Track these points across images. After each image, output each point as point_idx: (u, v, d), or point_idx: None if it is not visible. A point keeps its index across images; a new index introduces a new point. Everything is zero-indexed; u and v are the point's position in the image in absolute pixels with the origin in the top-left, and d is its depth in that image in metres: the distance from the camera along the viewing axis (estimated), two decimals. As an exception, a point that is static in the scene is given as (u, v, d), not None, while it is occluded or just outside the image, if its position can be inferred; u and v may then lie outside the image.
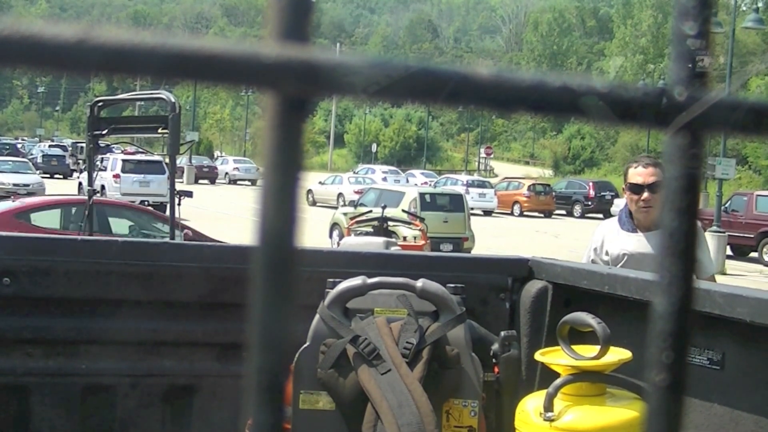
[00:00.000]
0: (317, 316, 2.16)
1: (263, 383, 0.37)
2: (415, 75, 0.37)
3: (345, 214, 21.10)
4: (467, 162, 74.65)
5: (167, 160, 7.25)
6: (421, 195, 22.17)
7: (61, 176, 44.71)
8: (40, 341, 2.30)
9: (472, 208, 25.01)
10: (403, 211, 19.11)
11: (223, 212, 29.67)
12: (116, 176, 26.46)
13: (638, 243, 3.68)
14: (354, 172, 48.34)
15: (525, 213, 37.43)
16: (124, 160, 26.84)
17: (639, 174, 3.83)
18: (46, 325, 2.30)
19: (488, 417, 2.24)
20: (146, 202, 27.34)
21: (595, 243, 3.81)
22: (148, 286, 2.34)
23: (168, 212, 6.72)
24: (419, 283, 2.17)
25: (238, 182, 51.85)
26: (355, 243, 11.21)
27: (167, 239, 7.09)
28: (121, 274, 2.32)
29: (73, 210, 11.41)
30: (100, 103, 6.94)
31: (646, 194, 3.74)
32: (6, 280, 2.24)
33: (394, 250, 8.92)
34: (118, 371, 2.36)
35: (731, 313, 1.91)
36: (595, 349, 1.96)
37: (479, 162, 72.72)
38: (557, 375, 2.02)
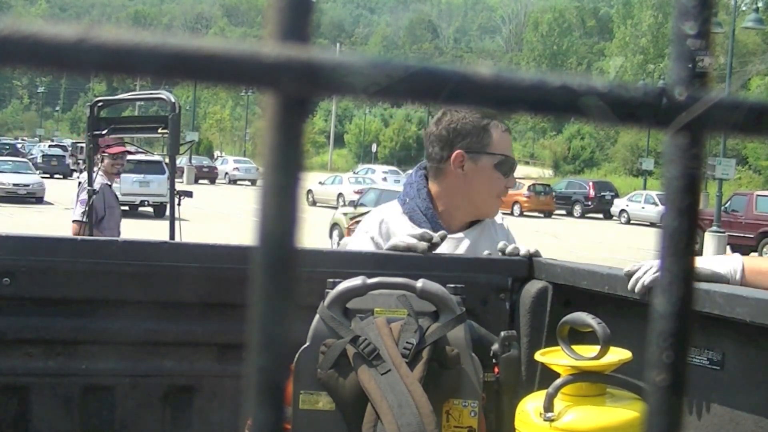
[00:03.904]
0: (317, 317, 2.16)
1: (263, 383, 0.37)
2: (415, 75, 0.37)
3: (345, 214, 21.12)
4: (467, 162, 74.44)
5: (167, 160, 7.27)
6: (421, 195, 22.15)
7: (61, 176, 44.74)
8: (40, 341, 2.30)
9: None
10: (403, 211, 19.10)
11: (223, 212, 29.66)
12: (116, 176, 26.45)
13: (462, 249, 2.71)
14: (354, 172, 48.37)
15: (525, 213, 37.44)
16: (124, 160, 26.83)
17: (507, 143, 2.71)
18: (46, 325, 2.30)
19: (488, 417, 2.24)
20: (146, 202, 27.35)
21: (371, 232, 2.69)
22: (147, 286, 2.34)
23: (168, 212, 6.73)
24: (419, 283, 2.17)
25: (238, 182, 51.87)
26: (355, 243, 11.19)
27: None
28: (120, 274, 2.32)
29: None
30: (100, 103, 6.94)
31: (510, 178, 2.75)
32: (6, 280, 2.23)
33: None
34: (118, 371, 2.36)
35: (731, 313, 1.91)
36: (595, 349, 1.96)
37: (479, 162, 72.50)
38: (557, 375, 2.02)
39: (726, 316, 1.92)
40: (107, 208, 6.83)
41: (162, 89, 7.23)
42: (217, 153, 70.45)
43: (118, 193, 7.71)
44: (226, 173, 52.70)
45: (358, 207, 21.00)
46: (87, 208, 6.62)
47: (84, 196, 6.76)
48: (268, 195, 0.37)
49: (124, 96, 8.46)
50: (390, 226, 2.70)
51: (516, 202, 37.43)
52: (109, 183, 6.88)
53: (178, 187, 7.04)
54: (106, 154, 7.01)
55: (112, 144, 6.99)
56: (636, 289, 2.15)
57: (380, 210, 2.82)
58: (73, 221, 6.83)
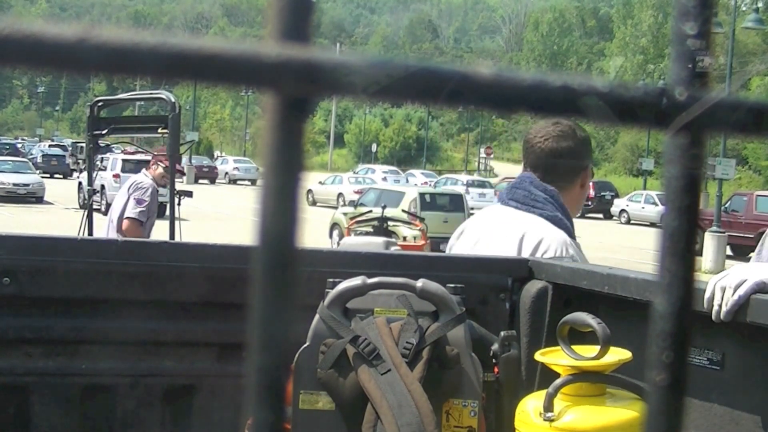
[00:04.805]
0: (317, 316, 2.16)
1: (263, 383, 0.37)
2: (415, 74, 0.37)
3: (345, 214, 21.13)
4: (467, 162, 74.69)
5: (167, 160, 7.28)
6: (421, 195, 22.20)
7: (61, 176, 44.73)
8: (40, 341, 2.30)
9: (472, 208, 25.02)
10: (403, 211, 19.14)
11: (223, 212, 29.66)
12: (116, 176, 26.45)
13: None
14: (354, 172, 48.36)
15: (525, 213, 37.33)
16: (124, 160, 26.85)
17: None
18: (46, 325, 2.30)
19: (488, 417, 2.24)
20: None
21: (578, 258, 2.71)
22: (148, 286, 2.34)
23: (168, 212, 6.73)
24: (419, 283, 2.17)
25: (238, 182, 51.86)
26: (355, 243, 11.22)
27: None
28: (121, 274, 2.32)
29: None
30: (100, 103, 6.95)
31: None
32: (6, 280, 2.23)
33: (394, 250, 8.93)
34: (118, 371, 2.35)
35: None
36: (595, 349, 1.96)
37: (479, 162, 72.77)
38: (557, 375, 2.02)
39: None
40: (153, 211, 6.77)
41: (162, 89, 7.23)
42: (217, 153, 70.48)
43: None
44: (226, 173, 52.69)
45: (358, 207, 21.00)
46: (144, 208, 6.61)
47: (140, 195, 6.58)
48: (268, 195, 0.37)
49: (124, 96, 8.47)
50: (575, 248, 2.71)
51: (516, 202, 37.37)
52: (157, 189, 6.86)
53: (178, 186, 7.05)
54: (162, 165, 6.88)
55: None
56: (713, 318, 1.98)
57: (553, 234, 2.72)
58: (127, 218, 6.60)
